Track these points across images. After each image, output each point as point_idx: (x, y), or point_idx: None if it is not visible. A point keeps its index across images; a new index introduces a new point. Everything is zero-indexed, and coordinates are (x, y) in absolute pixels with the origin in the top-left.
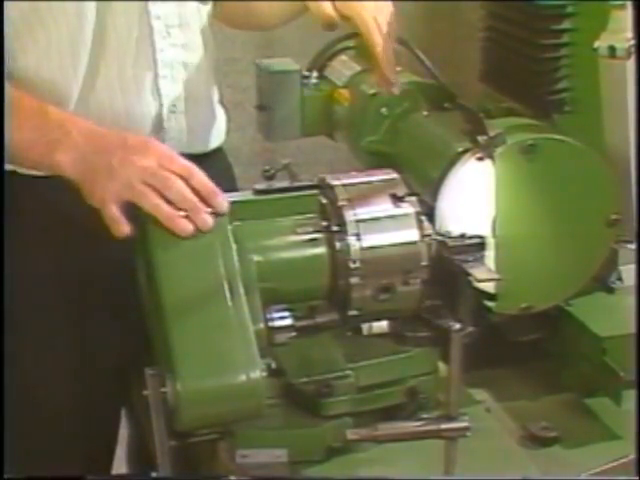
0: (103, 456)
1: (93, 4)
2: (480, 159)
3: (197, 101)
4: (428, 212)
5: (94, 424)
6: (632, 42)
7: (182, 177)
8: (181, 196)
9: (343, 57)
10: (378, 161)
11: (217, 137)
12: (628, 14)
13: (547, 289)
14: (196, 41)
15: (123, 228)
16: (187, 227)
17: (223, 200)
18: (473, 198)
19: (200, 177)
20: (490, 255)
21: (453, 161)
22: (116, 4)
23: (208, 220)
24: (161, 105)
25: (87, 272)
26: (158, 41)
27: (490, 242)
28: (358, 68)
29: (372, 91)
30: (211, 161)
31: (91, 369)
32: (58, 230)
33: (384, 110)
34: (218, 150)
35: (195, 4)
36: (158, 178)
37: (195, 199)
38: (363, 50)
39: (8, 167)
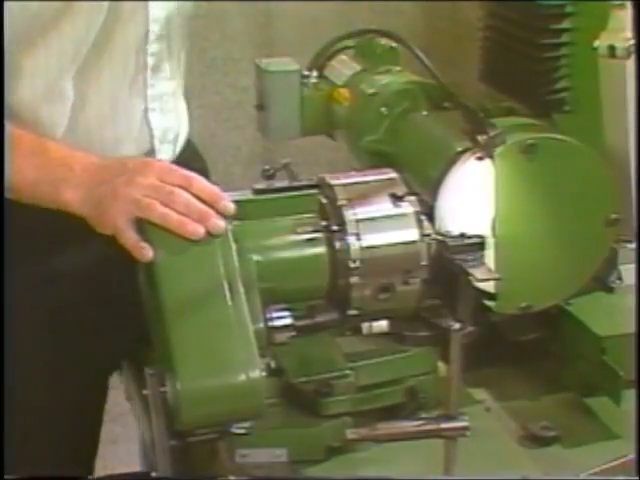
0: (85, 457)
1: (90, 41)
2: (480, 159)
3: (180, 115)
4: (428, 212)
5: (77, 426)
6: (632, 42)
7: (183, 187)
8: (187, 206)
9: (343, 56)
10: (378, 161)
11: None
12: (628, 14)
13: (547, 289)
14: (180, 68)
15: (145, 252)
16: (198, 230)
17: (228, 203)
18: (473, 198)
19: (201, 184)
20: (490, 255)
21: (453, 161)
22: (116, 42)
23: (219, 224)
24: (152, 137)
25: (74, 273)
26: (149, 77)
27: (490, 242)
28: (358, 68)
29: (372, 90)
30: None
31: (75, 371)
32: (49, 233)
33: (384, 109)
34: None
35: (181, 35)
36: (161, 193)
37: (201, 206)
38: (363, 50)
39: None
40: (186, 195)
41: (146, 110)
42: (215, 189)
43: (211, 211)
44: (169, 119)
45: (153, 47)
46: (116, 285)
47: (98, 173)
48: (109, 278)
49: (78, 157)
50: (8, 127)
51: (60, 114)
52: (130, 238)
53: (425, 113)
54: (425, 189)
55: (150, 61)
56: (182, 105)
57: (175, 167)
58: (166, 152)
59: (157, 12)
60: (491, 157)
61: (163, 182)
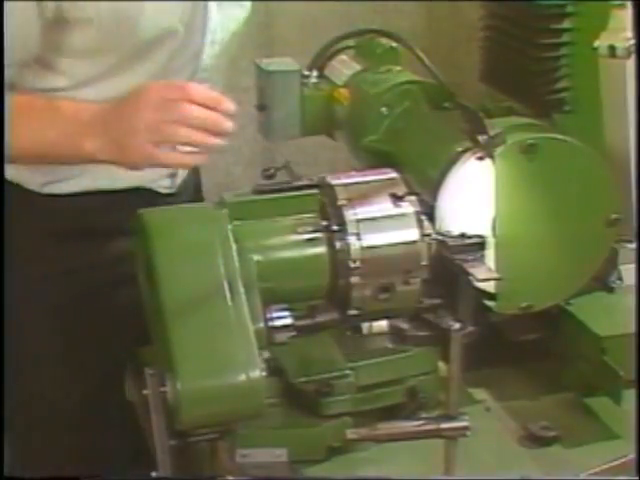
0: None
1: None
2: (480, 159)
3: None
4: (428, 212)
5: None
6: (632, 41)
7: (185, 100)
8: (193, 118)
9: (343, 56)
10: (378, 161)
11: None
12: (628, 14)
13: (547, 289)
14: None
15: (196, 156)
16: (209, 139)
17: (228, 104)
18: (473, 198)
19: (202, 93)
20: (490, 255)
21: (453, 161)
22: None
23: (228, 124)
24: None
25: (91, 275)
26: None
27: (490, 242)
28: (358, 67)
29: (372, 90)
30: None
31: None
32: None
33: (384, 109)
34: None
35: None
36: (171, 113)
37: (207, 114)
38: (363, 50)
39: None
40: (189, 108)
41: None
42: (213, 93)
43: (217, 115)
44: None
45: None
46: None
47: (110, 116)
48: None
49: (89, 108)
50: (13, 97)
51: None
52: (168, 157)
53: (425, 113)
54: (425, 189)
55: None
56: None
57: (172, 84)
58: (182, 173)
59: (207, 61)
60: (491, 157)
61: (166, 100)
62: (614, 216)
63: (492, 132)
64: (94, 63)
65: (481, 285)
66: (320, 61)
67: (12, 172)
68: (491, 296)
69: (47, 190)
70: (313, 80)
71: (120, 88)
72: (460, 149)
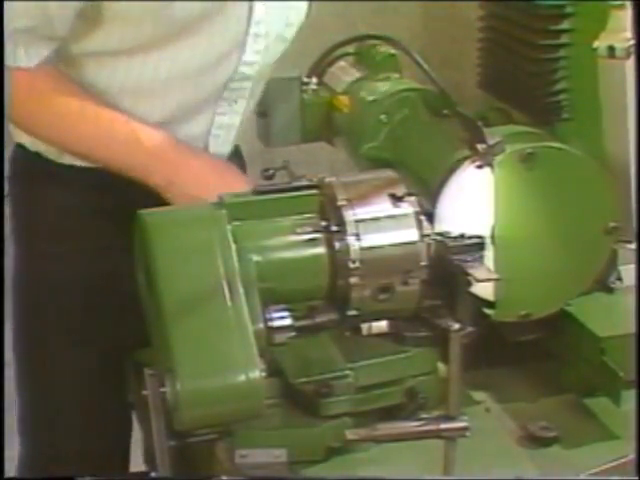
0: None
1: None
2: (479, 167)
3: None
4: (427, 212)
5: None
6: (631, 42)
7: None
8: None
9: (342, 63)
10: (377, 168)
11: None
12: (628, 14)
13: (546, 296)
14: (252, 106)
15: None
16: None
17: None
18: (472, 206)
19: None
20: (489, 262)
21: (452, 169)
22: (206, 76)
23: None
24: None
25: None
26: (222, 105)
27: (489, 250)
28: (357, 75)
29: (371, 98)
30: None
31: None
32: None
33: (383, 117)
34: None
35: (265, 78)
36: None
37: None
38: (362, 56)
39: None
40: None
41: (208, 133)
42: None
43: None
44: (226, 148)
45: (236, 84)
46: None
47: (180, 165)
48: None
49: (165, 148)
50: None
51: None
52: None
53: (425, 120)
54: (425, 197)
55: (227, 94)
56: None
57: None
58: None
59: (250, 57)
60: (490, 165)
61: None
62: (612, 224)
63: (491, 141)
64: (137, 31)
65: (480, 293)
66: (319, 68)
67: (28, 139)
68: (490, 304)
69: (67, 161)
70: (312, 87)
71: (171, 62)
72: (459, 157)
